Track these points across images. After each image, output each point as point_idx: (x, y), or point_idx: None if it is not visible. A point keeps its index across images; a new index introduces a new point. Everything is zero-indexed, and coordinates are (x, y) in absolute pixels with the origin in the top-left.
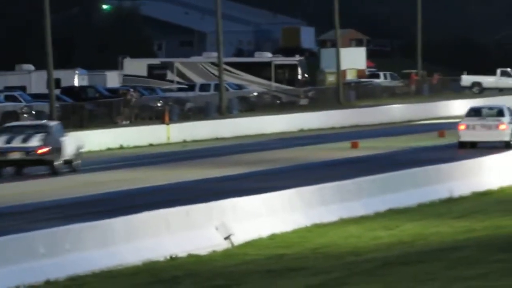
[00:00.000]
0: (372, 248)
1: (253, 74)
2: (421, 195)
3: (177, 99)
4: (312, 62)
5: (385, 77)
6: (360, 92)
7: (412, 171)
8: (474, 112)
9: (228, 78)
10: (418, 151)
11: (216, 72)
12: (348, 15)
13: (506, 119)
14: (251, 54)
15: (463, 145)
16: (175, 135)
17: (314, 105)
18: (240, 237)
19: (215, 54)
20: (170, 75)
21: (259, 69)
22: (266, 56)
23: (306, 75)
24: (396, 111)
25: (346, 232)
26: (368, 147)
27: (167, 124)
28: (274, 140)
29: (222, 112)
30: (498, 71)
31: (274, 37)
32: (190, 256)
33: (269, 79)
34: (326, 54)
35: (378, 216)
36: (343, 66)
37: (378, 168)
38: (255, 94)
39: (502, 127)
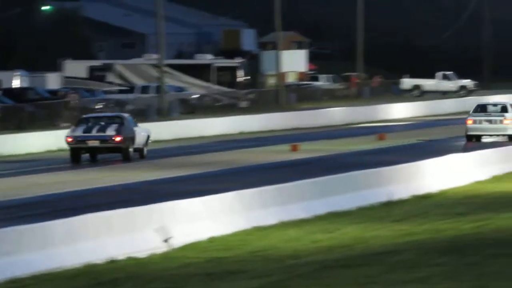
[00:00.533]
0: (312, 251)
1: (194, 76)
2: (361, 198)
3: (117, 101)
4: (253, 64)
5: (326, 80)
6: (300, 95)
7: (352, 174)
8: (480, 108)
9: (169, 80)
10: (358, 154)
11: (157, 74)
12: (289, 18)
13: (509, 114)
14: (192, 56)
15: (470, 138)
16: None
17: (255, 107)
18: (180, 240)
19: (156, 56)
20: (111, 77)
21: (200, 71)
22: (207, 58)
23: (247, 78)
24: (337, 114)
25: (286, 235)
26: (308, 150)
27: None
28: (214, 143)
29: (162, 114)
30: (439, 74)
31: (215, 39)
32: (129, 258)
33: (209, 81)
34: (267, 57)
35: (318, 219)
36: (284, 69)
37: (318, 171)
38: (196, 96)
39: (506, 122)
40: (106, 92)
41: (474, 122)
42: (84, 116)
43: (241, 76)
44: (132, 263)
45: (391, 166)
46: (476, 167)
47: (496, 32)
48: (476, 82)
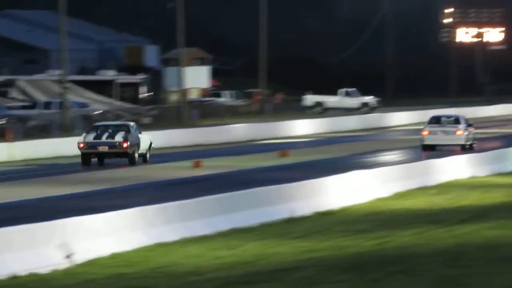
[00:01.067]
0: (214, 268)
1: (96, 92)
2: (263, 214)
3: (20, 117)
4: (156, 80)
5: (229, 96)
6: (203, 111)
7: (254, 190)
8: (435, 120)
9: (72, 96)
10: (260, 170)
11: (59, 90)
12: (192, 34)
13: (462, 126)
14: (94, 72)
15: (425, 148)
16: (18, 153)
17: (157, 123)
18: (82, 256)
19: (58, 72)
20: (13, 93)
21: (103, 87)
22: (109, 74)
23: (149, 94)
24: (239, 131)
25: (188, 251)
26: (211, 167)
27: (10, 141)
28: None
29: (65, 130)
30: (341, 91)
31: (118, 55)
32: (31, 275)
33: (112, 97)
34: (170, 73)
35: (220, 235)
36: (186, 85)
37: (220, 188)
38: (99, 112)
39: (459, 132)
40: (9, 108)
41: (430, 133)
42: (94, 124)
43: (143, 92)
44: (34, 279)
45: (293, 182)
46: (378, 184)
47: (399, 48)
48: (379, 99)
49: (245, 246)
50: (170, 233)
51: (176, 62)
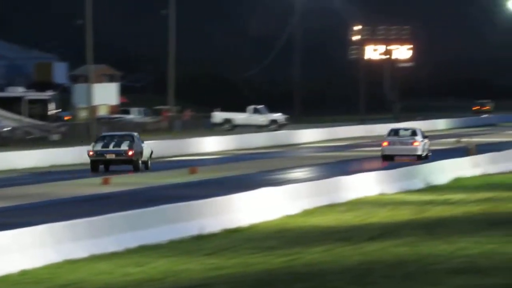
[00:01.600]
0: (122, 285)
1: (5, 109)
2: (172, 231)
3: None
4: (65, 97)
5: (137, 113)
6: (112, 128)
7: (163, 207)
8: (394, 132)
9: None
10: (170, 187)
11: None
12: (101, 51)
13: (418, 137)
14: (3, 89)
15: (385, 158)
16: None
17: (66, 140)
18: None
19: None
20: None
21: (11, 104)
22: (18, 91)
23: (58, 110)
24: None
25: (97, 268)
26: (119, 183)
27: None
28: (25, 175)
29: None
30: (250, 108)
31: (27, 72)
32: None
33: (21, 114)
34: (79, 90)
35: (129, 252)
36: (95, 102)
37: (129, 204)
38: (8, 129)
39: (416, 143)
40: None
41: (389, 144)
42: (102, 134)
43: (52, 109)
44: None
45: (202, 199)
46: (287, 201)
47: (308, 65)
48: (287, 116)
49: (154, 263)
50: (79, 250)
51: (85, 79)
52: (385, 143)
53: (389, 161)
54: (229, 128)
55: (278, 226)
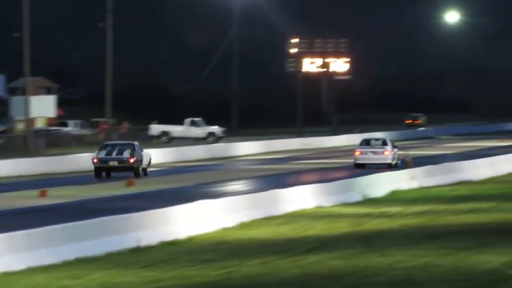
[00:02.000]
0: None
1: None
2: (110, 244)
3: None
4: (3, 109)
5: (74, 125)
6: (49, 140)
7: (100, 220)
8: (365, 142)
9: None
10: (107, 200)
11: None
12: (38, 63)
13: (389, 147)
14: None
15: (358, 166)
16: None
17: (3, 152)
18: None
19: None
20: None
21: None
22: None
23: None
24: (85, 160)
25: (34, 281)
26: (57, 196)
27: None
28: None
29: None
30: (187, 120)
31: None
32: None
33: None
34: (16, 102)
35: (66, 264)
36: (32, 114)
37: (67, 217)
38: None
39: (386, 153)
40: None
41: (361, 153)
42: (105, 143)
43: None
44: None
45: (140, 212)
46: (224, 214)
47: (246, 78)
48: (225, 129)
49: (92, 275)
50: (15, 262)
51: (22, 91)
52: (357, 152)
53: (361, 168)
54: (167, 140)
55: (216, 239)
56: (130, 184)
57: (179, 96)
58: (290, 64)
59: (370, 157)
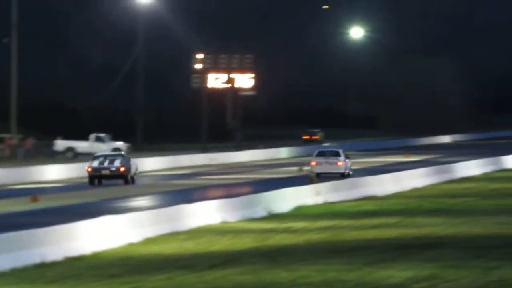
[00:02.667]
0: None
1: None
2: (15, 259)
3: None
4: None
5: None
6: None
7: (5, 235)
8: (320, 153)
9: None
10: (11, 215)
11: None
12: None
13: (341, 158)
14: None
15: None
16: None
17: None
18: None
19: None
20: None
21: None
22: None
23: None
24: None
25: None
26: None
27: None
28: None
29: None
30: (92, 136)
31: None
32: None
33: None
34: None
35: None
36: None
37: None
38: None
39: (340, 163)
40: None
41: (317, 163)
42: (97, 154)
43: None
44: None
45: (45, 227)
46: (129, 229)
47: (152, 93)
48: (130, 145)
49: None
50: None
51: None
52: (313, 163)
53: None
54: (72, 156)
55: (121, 254)
56: (34, 200)
57: (84, 112)
58: (195, 80)
59: (324, 167)
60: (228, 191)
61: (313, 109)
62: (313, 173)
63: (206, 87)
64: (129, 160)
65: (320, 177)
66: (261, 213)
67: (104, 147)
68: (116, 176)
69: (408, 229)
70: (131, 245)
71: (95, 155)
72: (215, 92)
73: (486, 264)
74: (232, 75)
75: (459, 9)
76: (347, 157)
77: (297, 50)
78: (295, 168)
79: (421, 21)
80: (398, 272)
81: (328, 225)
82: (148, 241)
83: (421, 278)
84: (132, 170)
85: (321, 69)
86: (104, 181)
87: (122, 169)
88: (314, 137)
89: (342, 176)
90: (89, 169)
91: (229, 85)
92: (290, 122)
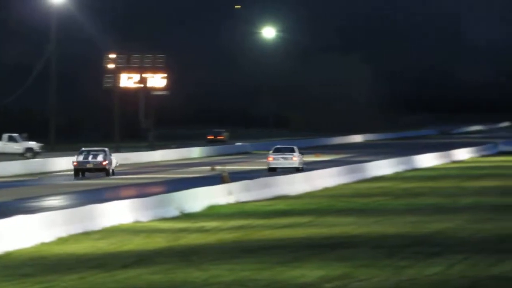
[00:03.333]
0: None
1: None
2: None
3: None
4: None
5: None
6: None
7: None
8: (277, 150)
9: None
10: None
11: None
12: None
13: (296, 154)
14: None
15: (271, 169)
16: None
17: None
18: None
19: None
20: None
21: None
22: None
23: None
24: None
25: None
26: None
27: None
28: None
29: None
30: (4, 136)
31: None
32: None
33: None
34: None
35: None
36: None
37: None
38: None
39: (294, 158)
40: None
41: (274, 159)
42: (81, 149)
43: None
44: None
45: None
46: (42, 229)
47: (65, 93)
48: (42, 145)
49: None
50: None
51: None
52: (270, 158)
53: (273, 172)
54: None
55: (33, 254)
56: None
57: None
58: (108, 80)
59: (280, 162)
60: (141, 190)
61: (226, 109)
62: (225, 172)
63: (119, 87)
64: (110, 155)
65: (277, 171)
66: (174, 212)
67: (17, 147)
68: (99, 169)
69: (320, 229)
70: (43, 244)
71: (80, 150)
72: (128, 92)
73: (397, 263)
74: (144, 75)
75: (372, 8)
76: (301, 153)
77: (210, 50)
78: (207, 168)
79: (333, 21)
80: (310, 271)
81: (240, 224)
82: (61, 240)
83: (333, 277)
84: (113, 164)
85: (234, 69)
86: (87, 174)
87: (104, 163)
88: (219, 137)
89: (297, 170)
90: (75, 163)
91: (142, 85)
92: (202, 122)
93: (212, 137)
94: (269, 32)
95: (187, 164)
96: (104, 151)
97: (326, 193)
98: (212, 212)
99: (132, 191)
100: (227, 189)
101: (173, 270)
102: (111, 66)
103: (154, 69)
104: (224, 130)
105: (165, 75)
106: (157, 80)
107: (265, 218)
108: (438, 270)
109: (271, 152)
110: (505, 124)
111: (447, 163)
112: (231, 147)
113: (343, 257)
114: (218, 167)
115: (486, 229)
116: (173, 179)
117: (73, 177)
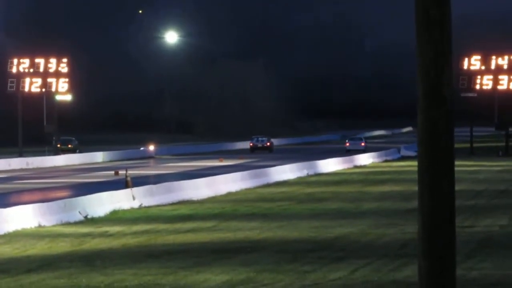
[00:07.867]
0: None
1: None
2: None
3: None
4: None
5: None
6: None
7: None
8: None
9: None
10: None
11: None
12: None
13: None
14: None
15: (348, 151)
16: None
17: None
18: None
19: None
20: None
21: None
22: None
23: None
24: None
25: None
26: None
27: None
28: None
29: None
30: None
31: None
32: None
33: None
34: None
35: None
36: None
37: None
38: None
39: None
40: None
41: (350, 144)
42: (61, 138)
43: None
44: None
45: None
46: None
47: None
48: None
49: None
50: None
51: None
52: (348, 144)
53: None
54: None
55: None
56: None
57: None
58: (11, 84)
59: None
60: (45, 195)
61: (130, 114)
62: (128, 177)
63: (22, 92)
64: (76, 141)
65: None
66: (78, 217)
67: None
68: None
69: (223, 233)
70: None
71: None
72: (31, 96)
73: (301, 268)
74: (48, 79)
75: (271, 14)
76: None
77: (114, 56)
78: (111, 172)
79: (237, 26)
80: (213, 276)
81: (144, 229)
82: None
83: (237, 282)
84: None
85: (137, 74)
86: None
87: (70, 146)
88: (68, 145)
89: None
90: (59, 145)
91: (45, 89)
92: (108, 127)
93: (59, 145)
94: (172, 37)
95: (91, 169)
96: (72, 139)
97: (229, 197)
98: (116, 217)
99: (35, 196)
100: (131, 193)
101: (77, 274)
102: (14, 70)
103: (58, 74)
104: (73, 138)
105: (68, 79)
106: (61, 85)
107: (168, 222)
108: (342, 274)
109: (347, 140)
110: (408, 129)
111: (350, 168)
112: (136, 152)
113: (247, 261)
114: (121, 172)
115: (389, 234)
116: (77, 184)
117: None
